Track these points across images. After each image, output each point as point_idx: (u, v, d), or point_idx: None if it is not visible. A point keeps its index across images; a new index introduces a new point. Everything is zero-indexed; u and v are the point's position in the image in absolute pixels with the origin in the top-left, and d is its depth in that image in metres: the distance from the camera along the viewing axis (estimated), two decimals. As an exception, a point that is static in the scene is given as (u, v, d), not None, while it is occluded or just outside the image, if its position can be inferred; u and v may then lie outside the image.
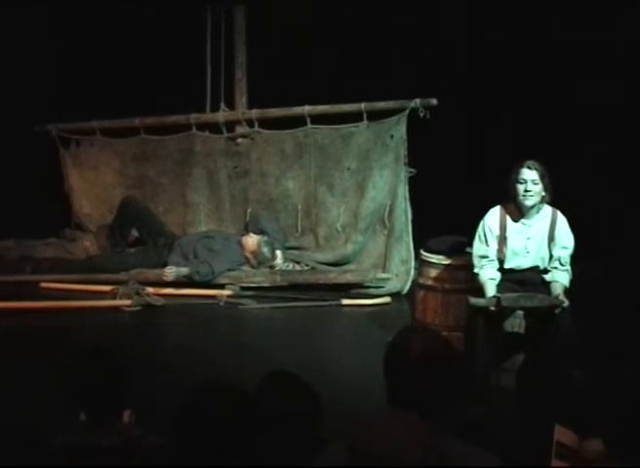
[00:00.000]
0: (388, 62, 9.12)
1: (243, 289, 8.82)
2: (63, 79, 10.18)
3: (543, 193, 6.29)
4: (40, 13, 9.87)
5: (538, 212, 6.37)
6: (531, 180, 6.22)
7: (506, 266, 6.39)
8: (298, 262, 9.35)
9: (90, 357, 3.88)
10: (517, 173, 6.24)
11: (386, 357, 3.02)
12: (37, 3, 9.78)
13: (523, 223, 6.38)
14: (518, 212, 6.37)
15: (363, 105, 9.08)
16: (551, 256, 6.36)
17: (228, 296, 8.62)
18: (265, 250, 9.13)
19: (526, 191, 6.23)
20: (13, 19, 9.78)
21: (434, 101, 8.65)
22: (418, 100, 8.73)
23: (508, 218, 6.40)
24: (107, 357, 3.89)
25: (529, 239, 6.37)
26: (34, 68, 9.96)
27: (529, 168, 6.23)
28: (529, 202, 6.26)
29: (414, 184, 8.84)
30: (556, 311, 6.04)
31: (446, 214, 7.64)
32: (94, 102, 9.86)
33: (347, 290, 8.83)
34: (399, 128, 8.93)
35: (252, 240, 9.20)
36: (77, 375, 3.79)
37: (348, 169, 9.34)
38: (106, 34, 9.81)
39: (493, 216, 6.44)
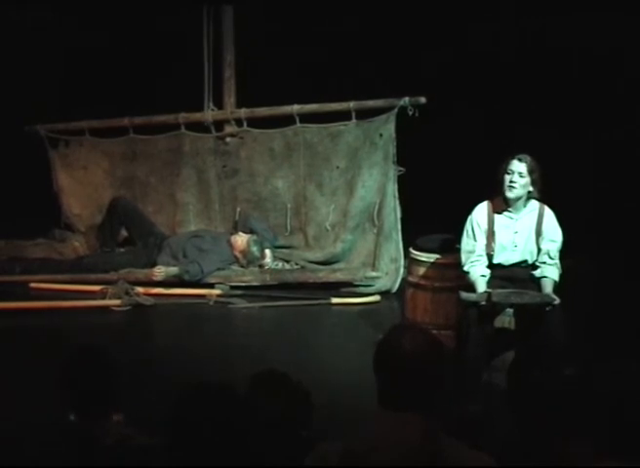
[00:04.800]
0: (377, 61, 9.12)
1: (232, 288, 8.80)
2: (52, 79, 10.16)
3: (530, 188, 6.29)
4: (27, 12, 9.85)
5: (525, 206, 6.37)
6: (518, 172, 6.22)
7: (495, 261, 6.38)
8: (287, 261, 9.36)
9: (81, 356, 3.87)
10: (507, 163, 6.26)
11: (377, 355, 3.01)
12: (25, 3, 9.76)
13: (510, 217, 6.38)
14: (505, 205, 6.38)
15: (352, 104, 9.08)
16: (539, 251, 6.36)
17: (218, 296, 8.61)
18: (255, 249, 9.12)
19: (511, 182, 6.23)
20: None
21: (423, 100, 8.65)
22: (406, 99, 8.74)
23: (496, 213, 6.40)
24: (99, 356, 3.88)
25: (516, 233, 6.37)
26: (21, 68, 9.95)
27: (519, 160, 6.24)
28: (511, 193, 6.26)
29: (403, 183, 8.85)
30: (547, 308, 6.04)
31: (435, 213, 7.64)
32: (82, 102, 9.85)
33: (337, 288, 8.84)
34: (388, 126, 8.94)
35: (241, 239, 9.19)
36: (69, 375, 3.78)
37: (337, 167, 9.35)
38: (94, 35, 9.80)
39: (480, 211, 6.44)
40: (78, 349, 3.94)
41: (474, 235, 6.40)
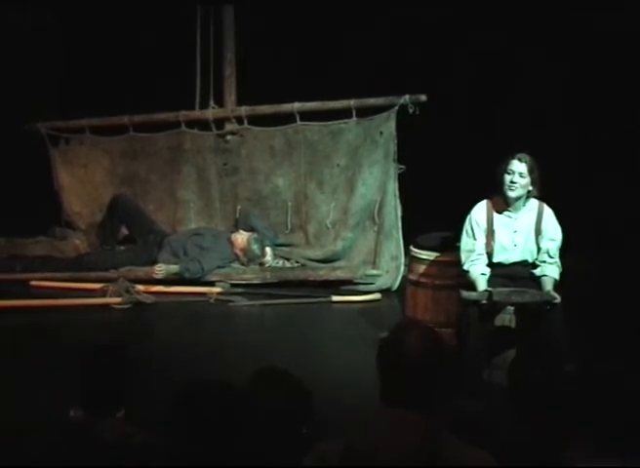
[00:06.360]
0: (377, 59, 9.12)
1: (233, 286, 8.82)
2: (52, 78, 10.17)
3: (530, 187, 6.27)
4: (27, 12, 9.85)
5: (524, 205, 6.35)
6: (518, 172, 6.20)
7: (495, 260, 6.36)
8: (287, 259, 9.36)
9: (96, 354, 3.87)
10: (507, 163, 6.23)
11: (381, 353, 2.99)
12: (25, 3, 9.77)
13: (510, 216, 6.36)
14: (505, 204, 6.36)
15: (352, 102, 9.09)
16: (539, 249, 6.35)
17: (218, 294, 8.62)
18: (255, 247, 9.12)
19: (511, 182, 6.21)
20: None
21: (423, 98, 8.65)
22: (407, 97, 8.74)
23: (495, 212, 6.38)
24: (113, 354, 3.88)
25: (516, 232, 6.35)
26: (21, 68, 9.95)
27: (519, 160, 6.22)
28: (512, 193, 6.24)
29: (403, 181, 8.85)
30: (547, 307, 6.04)
31: (436, 211, 7.64)
32: (83, 100, 9.86)
33: (338, 286, 8.84)
34: (388, 124, 8.94)
35: (241, 237, 9.19)
36: (82, 372, 3.78)
37: (338, 165, 9.35)
38: (96, 33, 9.81)
39: (479, 210, 6.42)
40: (98, 347, 3.93)
41: (474, 234, 6.38)
